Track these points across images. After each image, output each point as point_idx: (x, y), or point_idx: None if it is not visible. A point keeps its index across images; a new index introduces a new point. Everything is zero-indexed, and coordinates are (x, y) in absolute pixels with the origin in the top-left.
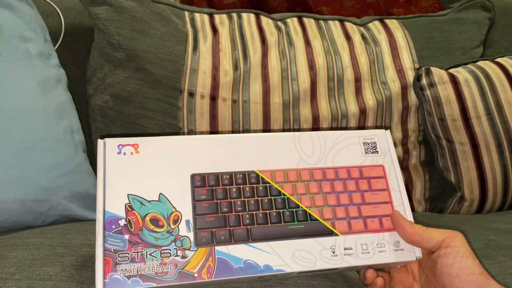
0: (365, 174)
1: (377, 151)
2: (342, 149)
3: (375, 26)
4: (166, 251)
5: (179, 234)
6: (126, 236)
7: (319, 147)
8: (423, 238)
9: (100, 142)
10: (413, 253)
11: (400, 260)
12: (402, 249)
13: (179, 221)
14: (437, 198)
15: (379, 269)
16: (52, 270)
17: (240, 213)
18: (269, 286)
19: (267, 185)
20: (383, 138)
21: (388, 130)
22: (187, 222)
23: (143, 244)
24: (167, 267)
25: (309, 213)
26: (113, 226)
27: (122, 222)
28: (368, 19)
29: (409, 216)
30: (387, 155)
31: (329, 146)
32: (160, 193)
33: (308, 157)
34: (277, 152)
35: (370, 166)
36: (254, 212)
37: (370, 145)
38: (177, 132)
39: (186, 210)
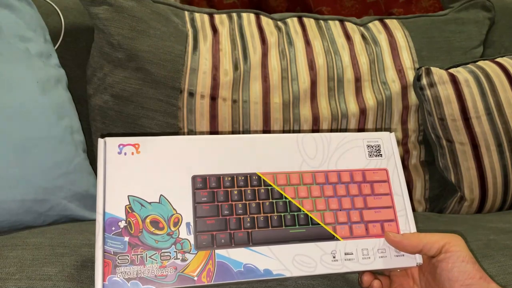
0: (368, 177)
1: (381, 154)
2: (346, 152)
3: (375, 26)
4: (166, 254)
5: (179, 236)
6: (126, 238)
7: (322, 150)
8: (425, 247)
9: (100, 141)
10: (413, 259)
11: (400, 266)
12: (403, 255)
13: (179, 224)
14: (437, 198)
15: (379, 272)
16: (52, 270)
17: (241, 216)
18: (268, 287)
19: (269, 188)
20: (388, 141)
21: (393, 133)
22: (188, 224)
23: (143, 246)
24: (166, 270)
25: (311, 217)
26: (113, 228)
27: (122, 224)
28: (368, 19)
29: (411, 222)
30: (391, 159)
31: (332, 148)
32: (161, 195)
33: (311, 159)
34: (280, 154)
35: (373, 170)
36: (255, 216)
37: (374, 148)
38: (177, 132)
39: (186, 212)
